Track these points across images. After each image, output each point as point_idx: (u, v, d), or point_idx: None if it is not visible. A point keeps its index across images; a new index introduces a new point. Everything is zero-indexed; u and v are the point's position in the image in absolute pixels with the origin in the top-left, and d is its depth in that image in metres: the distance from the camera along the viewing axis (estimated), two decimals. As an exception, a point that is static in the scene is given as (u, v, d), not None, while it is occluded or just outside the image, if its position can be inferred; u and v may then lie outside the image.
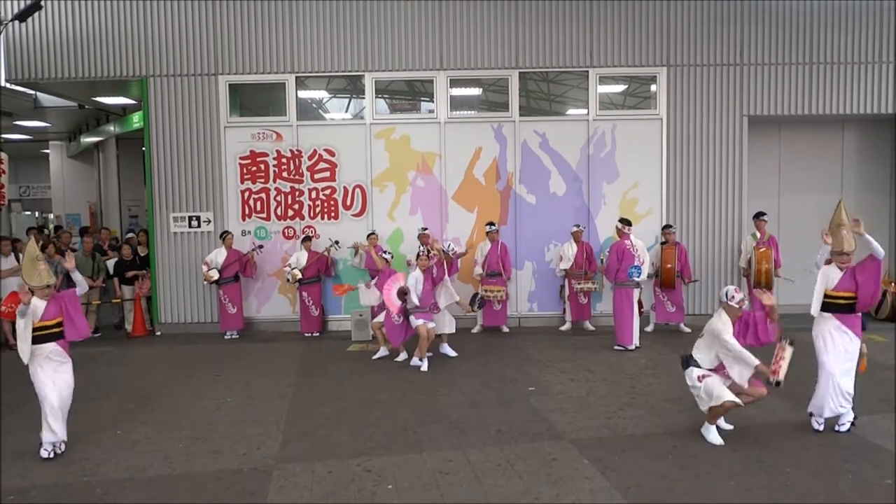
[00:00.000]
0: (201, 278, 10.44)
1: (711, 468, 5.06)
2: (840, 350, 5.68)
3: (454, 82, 10.74)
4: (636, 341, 9.12)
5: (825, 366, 5.71)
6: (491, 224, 10.22)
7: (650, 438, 5.71)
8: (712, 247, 10.76)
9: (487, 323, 10.44)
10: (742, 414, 5.90)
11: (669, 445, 5.53)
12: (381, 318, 8.70)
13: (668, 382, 7.41)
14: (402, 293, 8.23)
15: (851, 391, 5.70)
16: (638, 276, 9.08)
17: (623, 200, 10.73)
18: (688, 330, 10.10)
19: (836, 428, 5.74)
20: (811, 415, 5.85)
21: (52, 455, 5.52)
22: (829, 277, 5.73)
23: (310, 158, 10.74)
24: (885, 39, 10.60)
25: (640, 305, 9.45)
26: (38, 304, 5.44)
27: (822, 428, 5.75)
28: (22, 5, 9.84)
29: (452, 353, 8.77)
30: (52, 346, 5.52)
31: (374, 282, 9.04)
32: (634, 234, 9.38)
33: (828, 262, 5.80)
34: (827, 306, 5.73)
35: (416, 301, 8.24)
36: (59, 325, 5.55)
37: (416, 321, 8.32)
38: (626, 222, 9.29)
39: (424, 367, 8.19)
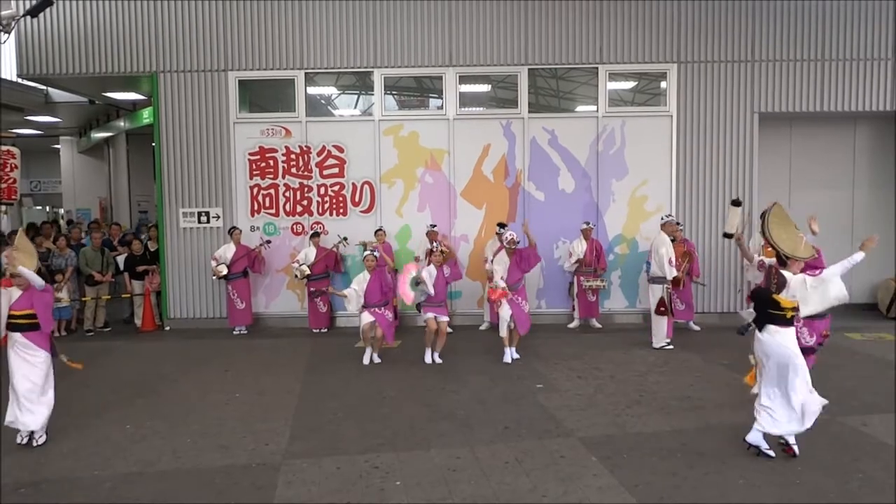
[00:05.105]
0: (210, 274, 10.47)
1: (720, 466, 5.04)
2: None
3: (463, 79, 10.72)
4: (658, 341, 8.85)
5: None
6: (501, 225, 9.91)
7: (658, 436, 5.69)
8: (721, 244, 10.68)
9: (494, 320, 10.40)
10: (749, 412, 5.86)
11: (678, 443, 5.51)
12: (367, 318, 8.31)
13: (676, 380, 7.39)
14: (416, 282, 8.33)
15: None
16: (645, 271, 9.66)
17: (632, 197, 10.68)
18: (697, 328, 10.01)
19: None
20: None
21: (23, 441, 5.67)
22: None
23: (318, 154, 10.75)
24: (898, 36, 10.51)
25: (661, 304, 8.89)
26: (14, 293, 5.69)
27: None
28: (34, 1, 9.88)
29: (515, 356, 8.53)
30: (18, 336, 5.65)
31: (366, 282, 8.49)
32: (646, 231, 9.47)
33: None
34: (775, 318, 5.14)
35: (430, 289, 8.30)
36: (28, 317, 5.65)
37: (426, 314, 8.38)
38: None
39: (438, 360, 8.33)
